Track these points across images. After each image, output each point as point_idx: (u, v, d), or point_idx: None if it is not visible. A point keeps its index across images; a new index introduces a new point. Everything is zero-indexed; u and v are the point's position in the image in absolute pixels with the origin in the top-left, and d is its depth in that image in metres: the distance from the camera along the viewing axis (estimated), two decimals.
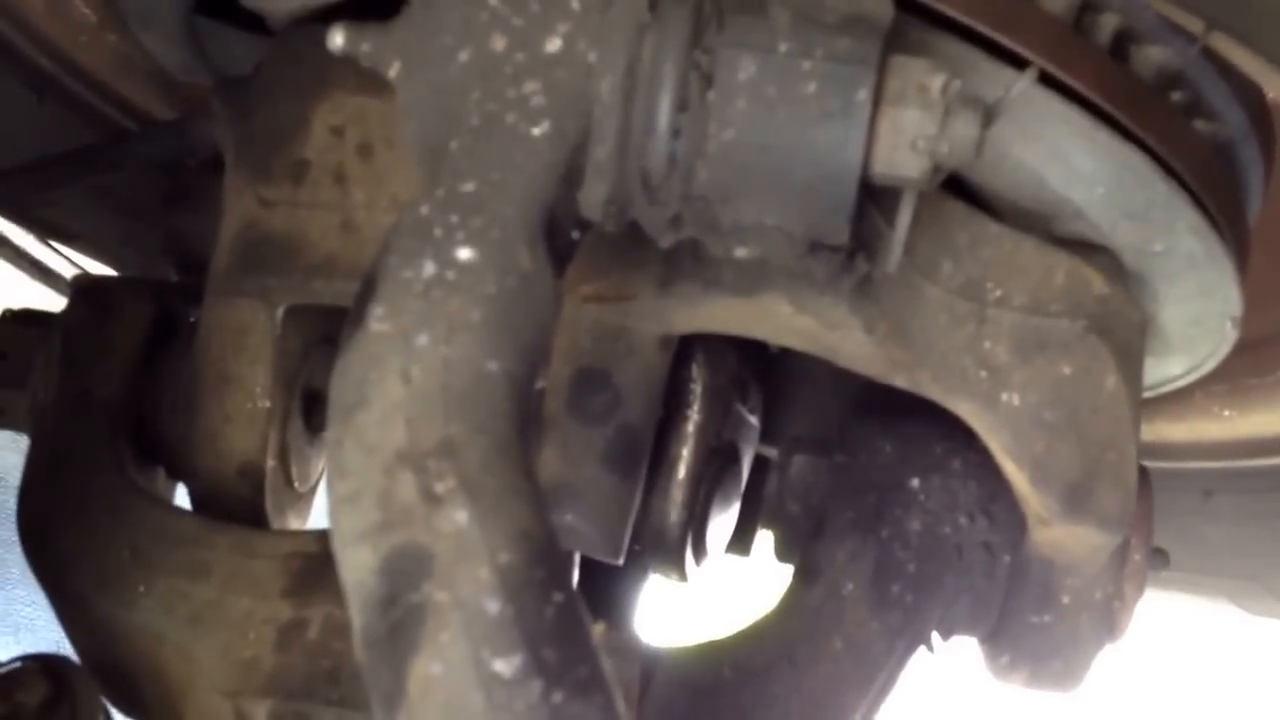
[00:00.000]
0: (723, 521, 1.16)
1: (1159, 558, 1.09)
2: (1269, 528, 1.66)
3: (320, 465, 1.26)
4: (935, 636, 1.07)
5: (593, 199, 0.74)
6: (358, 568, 0.59)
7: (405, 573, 0.58)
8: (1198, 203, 0.94)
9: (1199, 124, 0.95)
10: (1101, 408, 0.93)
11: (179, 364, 1.18)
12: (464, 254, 0.66)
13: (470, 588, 0.57)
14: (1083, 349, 0.92)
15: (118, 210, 1.61)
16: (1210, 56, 0.93)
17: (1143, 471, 0.99)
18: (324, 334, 1.19)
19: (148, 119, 1.53)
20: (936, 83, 0.72)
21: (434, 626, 0.56)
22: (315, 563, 1.02)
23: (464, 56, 0.73)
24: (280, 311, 1.09)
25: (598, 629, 0.61)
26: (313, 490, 1.26)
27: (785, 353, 1.10)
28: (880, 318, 0.91)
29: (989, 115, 0.72)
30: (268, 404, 1.11)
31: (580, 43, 0.72)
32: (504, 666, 0.55)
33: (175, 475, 1.23)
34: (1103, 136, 0.89)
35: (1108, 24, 0.89)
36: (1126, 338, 0.95)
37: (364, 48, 0.77)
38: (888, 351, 0.92)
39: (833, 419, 1.22)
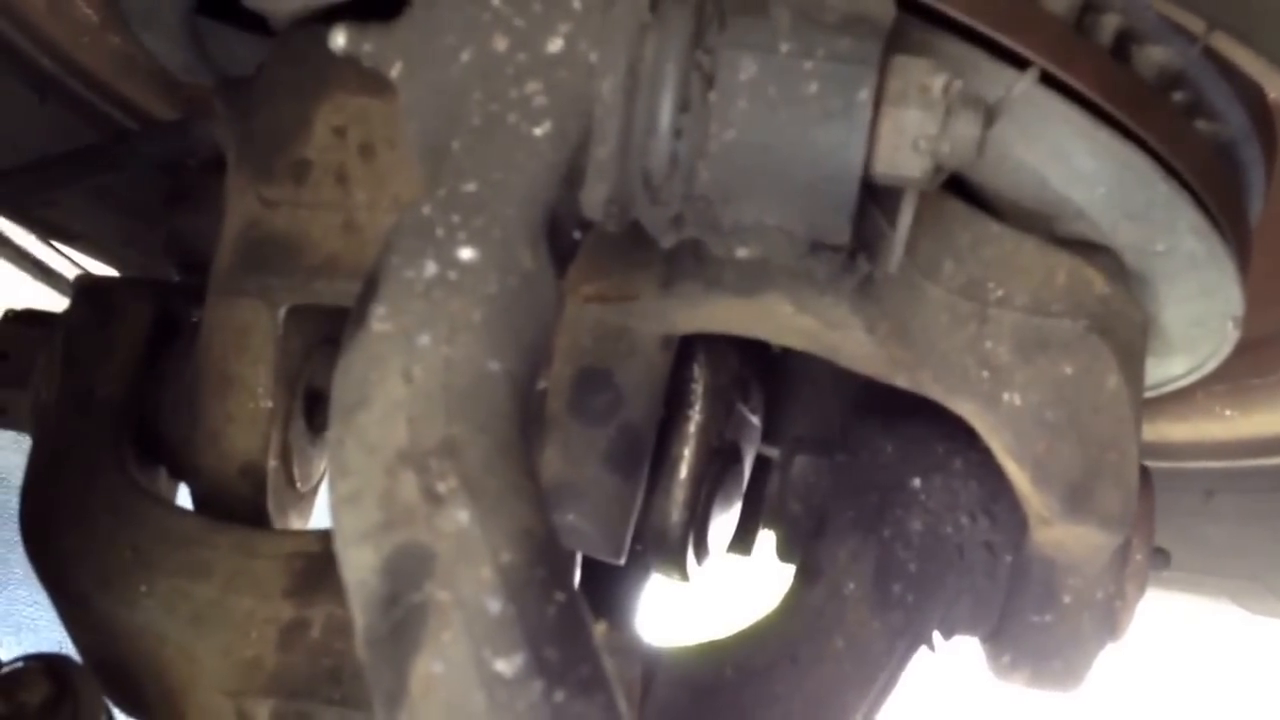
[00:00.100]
0: (724, 521, 1.16)
1: (1160, 557, 1.09)
2: (1270, 527, 1.66)
3: (322, 465, 1.26)
4: (937, 636, 1.07)
5: (594, 199, 0.74)
6: (359, 567, 0.59)
7: (407, 572, 0.58)
8: (1199, 203, 0.94)
9: (1200, 124, 0.95)
10: (1103, 407, 0.93)
11: (181, 364, 1.18)
12: (466, 254, 0.66)
13: (472, 587, 0.57)
14: (1084, 349, 0.92)
15: (119, 210, 1.61)
16: (1212, 56, 0.93)
17: (1144, 471, 0.99)
18: (326, 334, 1.19)
19: (149, 119, 1.53)
20: (938, 83, 0.72)
21: (436, 626, 0.56)
22: (317, 562, 1.02)
23: (466, 57, 0.73)
24: (282, 311, 1.09)
25: (599, 628, 0.61)
26: (314, 490, 1.26)
27: (787, 353, 1.10)
28: (882, 317, 0.91)
29: (990, 115, 0.72)
30: (269, 404, 1.11)
31: (582, 43, 0.72)
32: (506, 666, 0.55)
33: (177, 475, 1.23)
34: (1104, 136, 0.89)
35: (1109, 24, 0.89)
36: (1128, 338, 0.95)
37: (366, 48, 0.77)
38: (889, 351, 0.92)
39: (834, 419, 1.22)
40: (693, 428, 1.08)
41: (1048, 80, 0.86)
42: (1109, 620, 1.04)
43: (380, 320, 0.64)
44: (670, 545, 1.09)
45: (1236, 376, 1.41)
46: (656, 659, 1.01)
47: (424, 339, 0.63)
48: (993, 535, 1.05)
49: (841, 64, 0.70)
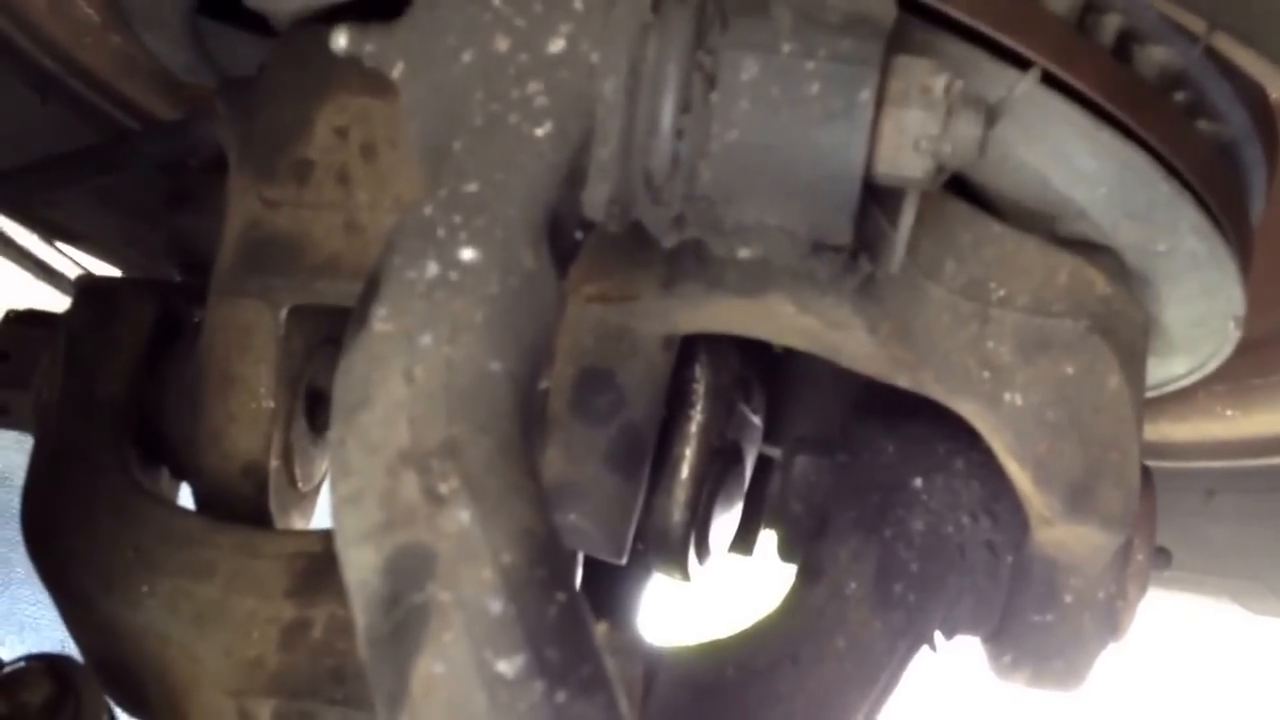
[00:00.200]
0: (726, 521, 1.16)
1: (1162, 557, 1.09)
2: (1272, 527, 1.66)
3: (323, 465, 1.26)
4: (938, 636, 1.07)
5: (596, 199, 0.74)
6: (361, 567, 0.59)
7: (408, 572, 0.58)
8: (1200, 203, 0.94)
9: (1202, 124, 0.95)
10: (1104, 407, 0.93)
11: (183, 364, 1.18)
12: (467, 254, 0.66)
13: (473, 587, 0.57)
14: (1085, 349, 0.93)
15: (121, 211, 1.61)
16: (1213, 56, 0.93)
17: (1145, 471, 0.99)
18: (327, 334, 1.19)
19: (151, 119, 1.53)
20: (939, 83, 0.71)
21: (437, 626, 0.56)
22: (319, 563, 1.02)
23: (467, 57, 0.73)
24: (284, 312, 1.09)
25: (600, 628, 0.61)
26: (316, 490, 1.26)
27: (788, 353, 1.10)
28: (883, 318, 0.91)
29: (992, 115, 0.72)
30: (271, 404, 1.11)
31: (583, 43, 0.72)
32: (507, 666, 0.55)
33: (179, 475, 1.23)
34: (1105, 137, 0.89)
35: (1110, 24, 0.89)
36: (1129, 338, 0.95)
37: (367, 48, 0.77)
38: (891, 351, 0.92)
39: (836, 419, 1.22)
40: (694, 428, 1.08)
41: (1049, 80, 0.86)
42: (1110, 620, 1.04)
43: (382, 320, 0.64)
44: (672, 545, 1.09)
45: (1238, 376, 1.41)
46: (658, 659, 1.01)
47: (425, 339, 0.63)
48: (994, 535, 1.05)
49: (843, 64, 0.70)
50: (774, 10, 0.72)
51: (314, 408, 1.22)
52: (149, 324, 1.21)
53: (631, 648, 1.00)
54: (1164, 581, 1.15)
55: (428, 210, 0.68)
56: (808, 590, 1.06)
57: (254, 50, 1.17)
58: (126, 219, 1.62)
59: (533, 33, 0.72)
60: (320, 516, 1.24)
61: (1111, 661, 1.07)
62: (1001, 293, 0.93)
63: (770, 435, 1.22)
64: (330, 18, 0.89)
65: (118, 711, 1.20)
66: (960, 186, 0.93)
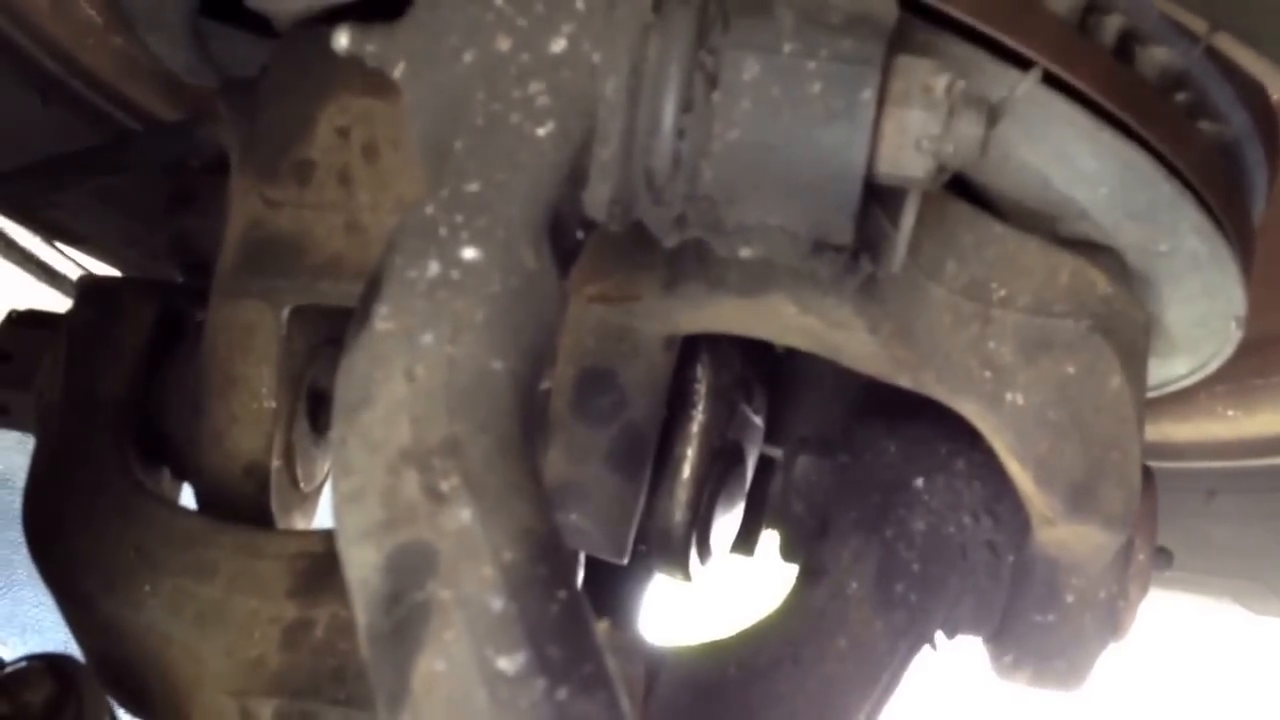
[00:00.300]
0: (727, 521, 1.16)
1: (1163, 557, 1.09)
2: (1273, 528, 1.66)
3: (325, 465, 1.26)
4: (939, 636, 1.07)
5: (597, 199, 0.74)
6: (362, 566, 0.59)
7: (409, 570, 0.58)
8: (1202, 203, 0.94)
9: (1203, 125, 0.95)
10: (1105, 408, 0.93)
11: (184, 365, 1.18)
12: (469, 254, 0.66)
13: (474, 585, 0.57)
14: (1087, 349, 0.92)
15: (123, 211, 1.61)
16: (1214, 57, 0.93)
17: (1147, 471, 0.99)
18: (329, 335, 1.19)
19: (153, 120, 1.53)
20: (941, 83, 0.71)
21: (438, 624, 0.56)
22: (320, 563, 1.02)
23: (469, 57, 0.73)
24: (286, 312, 1.09)
25: (602, 627, 0.61)
26: (318, 490, 1.26)
27: (790, 353, 1.10)
28: (885, 318, 0.91)
29: (993, 115, 0.72)
30: (273, 404, 1.11)
31: (585, 43, 0.72)
32: (508, 664, 0.55)
33: (181, 475, 1.23)
34: (1107, 137, 0.89)
35: (1112, 25, 0.89)
36: (1131, 338, 0.95)
37: (369, 48, 0.77)
38: (892, 352, 0.92)
39: (837, 419, 1.22)
40: (696, 428, 1.08)
41: (1050, 81, 0.86)
42: (1112, 620, 1.04)
43: (383, 320, 0.64)
44: (673, 545, 1.09)
45: (1239, 377, 1.41)
46: (660, 658, 1.01)
47: (427, 338, 0.63)
48: (996, 535, 1.05)
49: (845, 64, 0.70)
50: (776, 10, 0.72)
51: (316, 408, 1.22)
52: (151, 324, 1.21)
53: (633, 647, 1.00)
54: (1165, 582, 1.15)
55: (429, 210, 0.68)
56: (809, 590, 1.06)
57: (256, 51, 1.17)
58: (128, 220, 1.62)
59: (534, 33, 0.72)
60: (322, 517, 1.24)
61: (1113, 662, 1.07)
62: (1003, 293, 0.93)
63: (772, 435, 1.22)
64: (332, 18, 0.89)
65: (119, 711, 1.20)
66: (961, 187, 0.93)
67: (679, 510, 1.08)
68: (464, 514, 0.58)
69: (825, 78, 0.70)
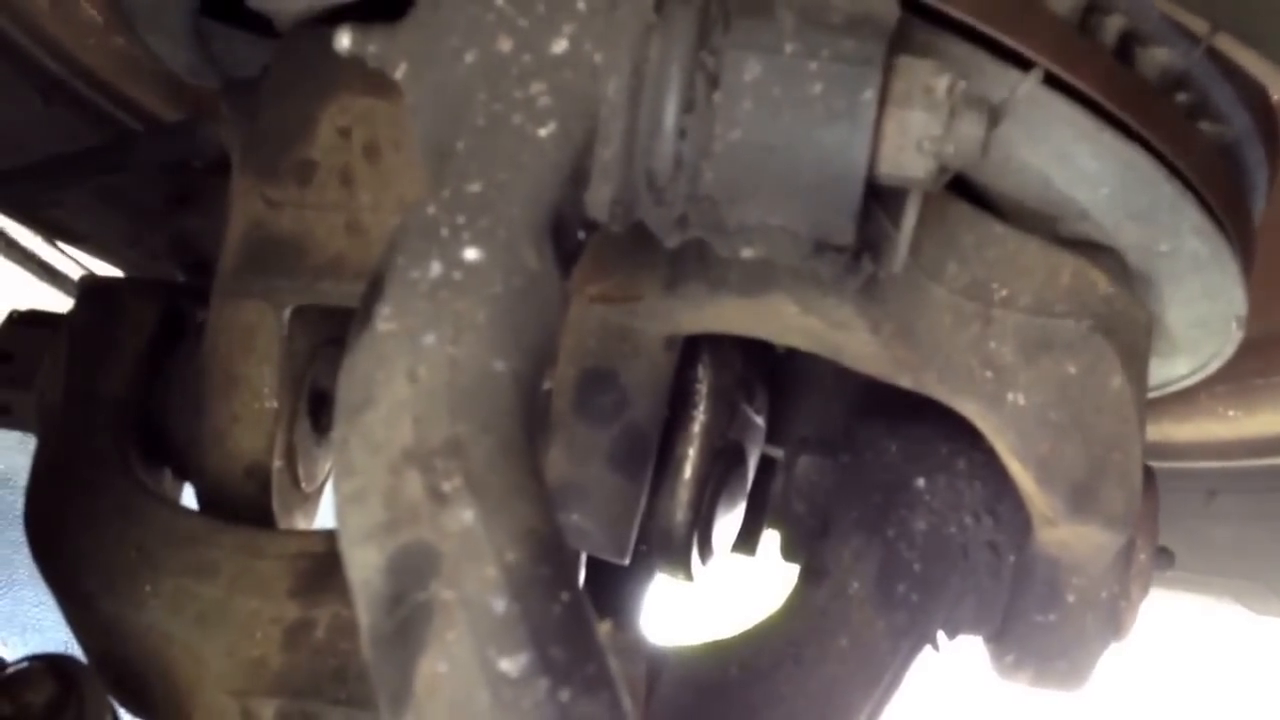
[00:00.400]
0: (728, 521, 1.16)
1: (1164, 557, 1.09)
2: (1274, 528, 1.66)
3: (327, 466, 1.26)
4: (941, 636, 1.07)
5: (599, 199, 0.74)
6: (364, 566, 0.59)
7: (412, 571, 0.58)
8: (1203, 204, 0.94)
9: (1204, 125, 0.95)
10: (1106, 408, 0.93)
11: (186, 365, 1.18)
12: (470, 254, 0.66)
13: (476, 586, 0.57)
14: (1088, 349, 0.93)
15: (124, 211, 1.61)
16: (1215, 58, 0.93)
17: (1148, 471, 0.99)
18: (330, 335, 1.19)
19: (154, 120, 1.53)
20: (942, 83, 0.71)
21: (440, 625, 0.56)
22: (322, 563, 1.02)
23: (470, 58, 0.73)
24: (287, 312, 1.09)
25: (604, 628, 0.61)
26: (319, 491, 1.26)
27: (791, 353, 1.10)
28: (886, 318, 0.91)
29: (994, 116, 0.72)
30: (275, 404, 1.11)
31: (586, 44, 0.72)
32: (510, 665, 0.55)
33: (182, 475, 1.23)
34: (1107, 137, 0.89)
35: (1113, 25, 0.89)
36: (1131, 338, 0.95)
37: (370, 49, 0.77)
38: (893, 352, 0.92)
39: (838, 419, 1.22)
40: (697, 428, 1.08)
41: (1051, 81, 0.86)
42: (1113, 620, 1.04)
43: (385, 320, 0.64)
44: (675, 545, 1.09)
45: (1240, 377, 1.41)
46: (662, 658, 1.01)
47: (429, 339, 0.63)
48: (997, 535, 1.05)
49: (846, 65, 0.70)
50: (777, 11, 0.72)
51: (317, 408, 1.22)
52: (152, 324, 1.21)
53: (635, 647, 1.00)
54: (1166, 582, 1.15)
55: (431, 210, 0.68)
56: (810, 590, 1.06)
57: (257, 51, 1.17)
58: (129, 220, 1.62)
59: (536, 33, 0.72)
60: (323, 517, 1.24)
61: (1114, 662, 1.07)
62: (1004, 293, 0.93)
63: (773, 435, 1.22)
64: (333, 18, 0.89)
65: (120, 712, 1.20)
66: (962, 187, 0.94)
67: (680, 510, 1.08)
68: (466, 514, 0.58)
69: (827, 78, 0.70)
